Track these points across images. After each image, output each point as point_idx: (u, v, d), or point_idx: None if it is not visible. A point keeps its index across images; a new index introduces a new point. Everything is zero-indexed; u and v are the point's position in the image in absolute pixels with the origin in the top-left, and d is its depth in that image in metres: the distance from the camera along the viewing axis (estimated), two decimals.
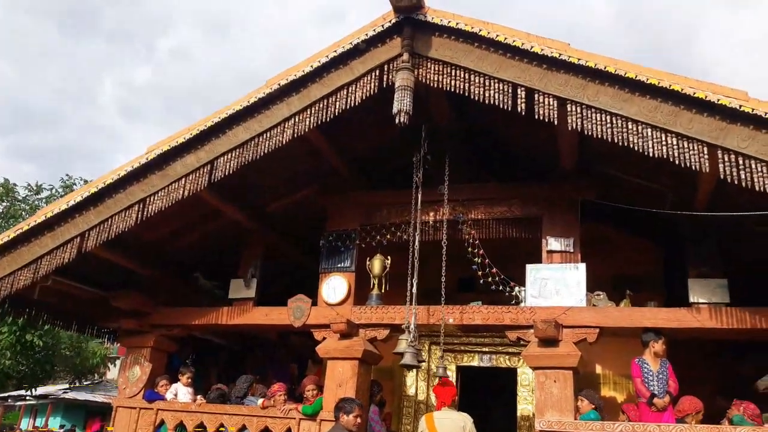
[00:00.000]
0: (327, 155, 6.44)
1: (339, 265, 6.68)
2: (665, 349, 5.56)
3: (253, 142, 5.64)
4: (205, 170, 5.83)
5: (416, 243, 6.01)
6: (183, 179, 5.89)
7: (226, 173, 5.74)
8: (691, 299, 5.53)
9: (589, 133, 4.63)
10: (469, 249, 6.20)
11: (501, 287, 6.09)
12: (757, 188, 4.10)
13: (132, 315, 7.15)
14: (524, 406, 7.43)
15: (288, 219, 7.45)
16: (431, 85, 5.25)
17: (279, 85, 5.57)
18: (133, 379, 7.12)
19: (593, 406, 5.66)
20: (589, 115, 4.62)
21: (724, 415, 5.55)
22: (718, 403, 5.96)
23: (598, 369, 7.20)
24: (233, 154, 5.71)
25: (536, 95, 4.77)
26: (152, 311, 7.20)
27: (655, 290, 6.68)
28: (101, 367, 24.25)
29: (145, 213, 5.96)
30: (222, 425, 6.44)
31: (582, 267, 5.84)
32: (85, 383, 24.60)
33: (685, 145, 4.31)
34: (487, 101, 4.91)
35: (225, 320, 6.93)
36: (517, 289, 6.09)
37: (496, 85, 4.93)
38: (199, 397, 6.88)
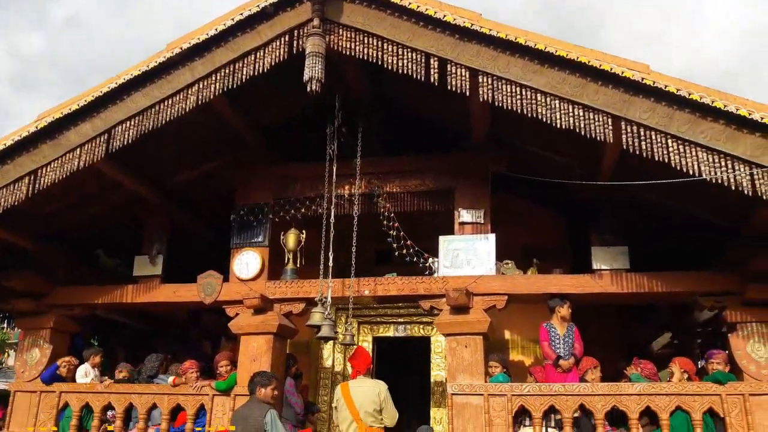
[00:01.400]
0: (236, 125, 6.18)
1: (252, 240, 6.49)
2: (571, 313, 5.82)
3: (153, 110, 5.32)
4: (102, 139, 5.47)
5: (332, 217, 5.92)
6: (78, 149, 5.51)
7: (125, 143, 5.40)
8: (594, 266, 5.81)
9: (500, 105, 4.69)
10: (385, 222, 6.20)
11: (416, 259, 6.15)
12: (656, 158, 4.32)
13: (27, 295, 6.66)
14: (437, 372, 7.61)
15: (195, 193, 7.13)
16: (344, 52, 5.13)
17: (181, 49, 5.26)
18: (32, 362, 6.67)
19: (502, 369, 5.86)
20: (500, 87, 4.67)
21: (623, 374, 5.91)
22: (618, 364, 6.36)
23: (507, 334, 7.47)
24: (132, 123, 5.37)
25: (449, 66, 4.75)
26: (50, 291, 6.73)
27: (561, 258, 6.97)
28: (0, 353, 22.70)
29: (36, 186, 5.54)
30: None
31: (492, 237, 5.98)
32: None
33: (591, 117, 4.46)
34: (401, 71, 4.85)
35: (130, 298, 6.60)
36: (430, 260, 6.17)
37: (410, 54, 4.88)
38: (106, 378, 6.55)
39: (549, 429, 5.51)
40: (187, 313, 8.13)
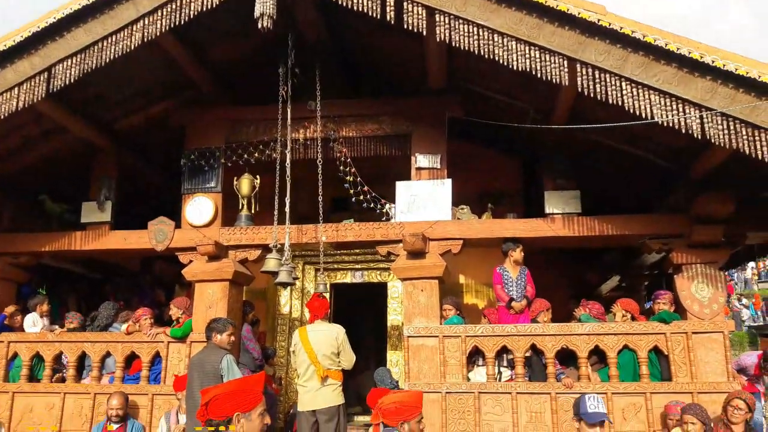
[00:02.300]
0: (185, 65, 5.91)
1: (204, 186, 6.33)
2: (523, 256, 5.93)
3: (96, 47, 5.03)
4: (42, 78, 5.17)
5: (287, 161, 5.79)
6: (16, 89, 5.21)
7: (67, 82, 5.12)
8: (547, 210, 5.90)
9: (457, 45, 4.60)
10: (342, 168, 6.11)
11: (373, 205, 6.12)
12: (610, 101, 4.34)
13: None
14: (394, 316, 7.71)
15: (145, 136, 6.87)
16: None
17: None
18: None
19: (457, 312, 5.98)
20: (457, 26, 4.57)
21: (573, 316, 6.10)
22: (569, 306, 6.55)
23: (462, 279, 7.59)
24: (74, 61, 5.08)
25: (405, 3, 4.61)
26: None
27: (516, 203, 7.07)
28: None
29: None
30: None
31: (448, 183, 5.99)
32: None
33: (547, 59, 4.42)
34: (355, 8, 4.68)
35: (78, 246, 6.40)
36: (387, 206, 6.16)
37: None
38: (56, 327, 6.41)
39: (501, 368, 5.69)
40: (139, 261, 7.96)
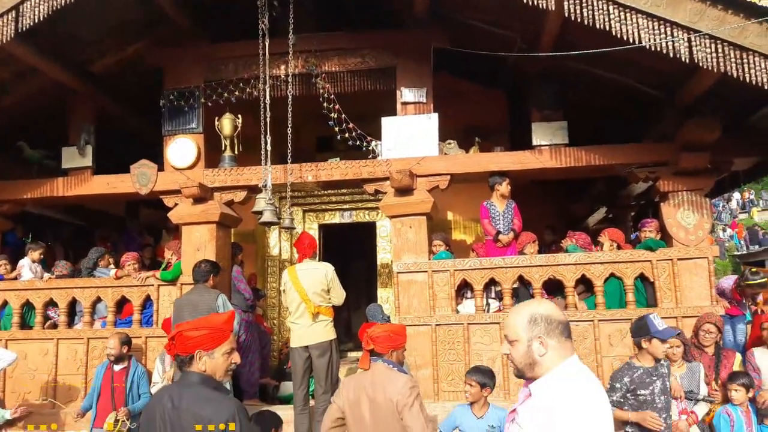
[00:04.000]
0: (159, 1, 5.66)
1: (185, 127, 6.20)
2: (510, 190, 5.92)
3: None
4: (10, 17, 4.95)
5: (267, 98, 5.64)
6: None
7: (36, 21, 4.90)
8: (534, 142, 5.85)
9: None
10: (325, 105, 5.98)
11: (358, 143, 6.03)
12: (597, 26, 4.22)
13: None
14: (383, 255, 7.77)
15: (122, 77, 6.65)
16: None
17: None
18: None
19: (446, 248, 6.01)
20: None
21: (560, 247, 6.16)
22: (544, 236, 6.60)
23: (450, 215, 7.61)
24: None
25: None
26: None
27: (503, 137, 7.03)
28: None
29: None
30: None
31: (434, 117, 5.90)
32: None
33: None
34: None
35: (61, 192, 6.30)
36: (373, 143, 6.07)
37: None
38: (46, 274, 6.38)
39: (490, 300, 5.78)
40: (124, 207, 7.89)
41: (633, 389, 3.75)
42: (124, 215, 8.08)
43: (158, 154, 6.28)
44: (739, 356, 4.73)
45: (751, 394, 4.34)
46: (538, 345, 1.91)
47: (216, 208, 5.98)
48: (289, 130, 5.61)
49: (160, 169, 6.16)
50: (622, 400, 3.77)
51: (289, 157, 5.75)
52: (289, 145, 5.66)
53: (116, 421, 4.82)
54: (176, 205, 6.10)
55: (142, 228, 8.06)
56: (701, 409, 4.39)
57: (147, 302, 6.08)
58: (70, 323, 6.21)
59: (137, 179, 6.09)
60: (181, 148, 6.10)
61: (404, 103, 5.99)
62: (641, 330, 3.80)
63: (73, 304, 6.23)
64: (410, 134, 5.92)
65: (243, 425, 2.19)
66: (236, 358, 2.41)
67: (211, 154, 6.26)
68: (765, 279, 5.36)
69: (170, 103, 6.15)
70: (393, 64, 6.01)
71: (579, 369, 1.92)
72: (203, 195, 5.95)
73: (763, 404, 4.39)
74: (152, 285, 6.00)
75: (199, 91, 6.16)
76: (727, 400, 4.41)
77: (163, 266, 6.22)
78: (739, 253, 19.42)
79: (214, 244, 5.94)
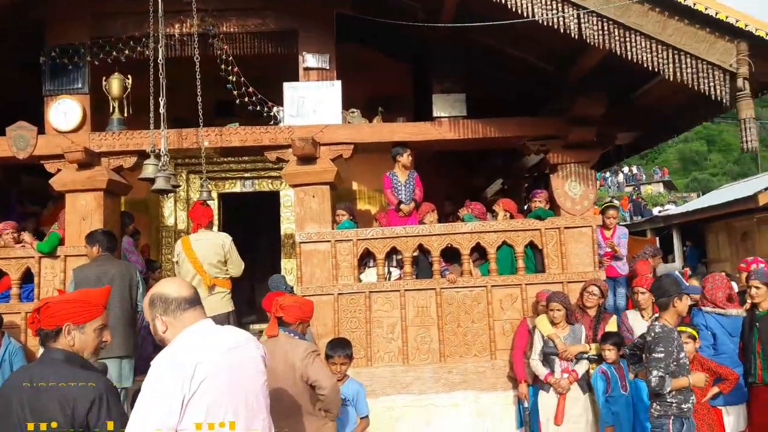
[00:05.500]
0: None
1: (69, 87, 5.76)
2: (412, 161, 5.99)
3: None
4: None
5: (160, 57, 5.32)
6: None
7: None
8: (435, 114, 5.93)
9: None
10: (224, 67, 5.73)
11: (259, 108, 5.85)
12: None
13: None
14: (287, 225, 7.66)
15: None
16: None
17: None
18: None
19: (350, 217, 6.02)
20: None
21: (457, 217, 6.33)
22: (443, 207, 6.77)
23: (355, 186, 7.63)
24: None
25: None
26: None
27: (406, 108, 7.08)
28: None
29: None
30: None
31: (338, 84, 5.83)
32: None
33: None
34: None
35: None
36: (275, 109, 5.92)
37: None
38: None
39: (391, 268, 5.87)
40: (2, 173, 7.25)
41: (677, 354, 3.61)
42: (1, 181, 7.42)
43: (39, 114, 5.79)
44: (614, 318, 5.11)
45: (623, 352, 4.70)
46: (159, 323, 2.11)
47: (103, 175, 5.63)
48: (200, 97, 5.33)
49: (41, 131, 5.69)
50: (675, 368, 3.57)
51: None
52: (201, 109, 5.39)
53: None
54: (59, 171, 5.67)
55: (23, 196, 7.46)
56: (581, 368, 4.72)
57: (29, 275, 5.65)
58: None
59: (14, 142, 5.60)
60: (65, 110, 5.67)
61: (307, 69, 5.86)
62: (674, 286, 3.65)
63: None
64: (313, 101, 5.81)
65: (112, 405, 2.08)
66: (107, 336, 2.30)
67: (99, 117, 5.86)
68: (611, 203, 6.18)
69: (52, 61, 5.67)
70: (295, 28, 5.85)
71: (192, 332, 2.09)
72: (89, 160, 5.57)
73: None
74: (33, 257, 5.58)
75: (85, 49, 5.72)
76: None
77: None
78: (625, 223, 20.90)
79: (102, 213, 5.59)
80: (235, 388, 2.03)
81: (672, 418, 3.55)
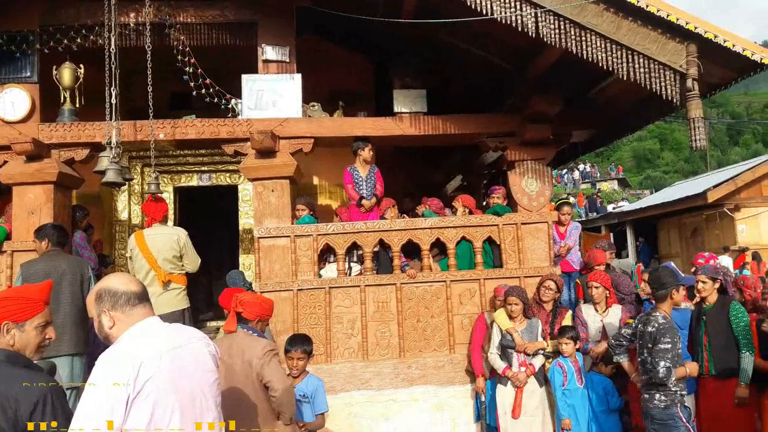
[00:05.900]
0: None
1: (17, 75, 5.55)
2: (373, 156, 5.98)
3: None
4: None
5: (113, 46, 5.16)
6: None
7: None
8: (396, 109, 5.94)
9: None
10: (180, 58, 5.60)
11: (217, 100, 5.74)
12: None
13: None
14: (246, 220, 7.56)
15: None
16: None
17: None
18: None
19: (310, 212, 5.97)
20: None
21: (416, 213, 6.36)
22: (404, 203, 6.80)
23: (316, 180, 7.57)
24: None
25: None
26: None
27: (367, 103, 7.08)
28: None
29: None
30: None
31: (298, 78, 5.77)
32: None
33: None
34: None
35: None
36: (233, 101, 5.82)
37: None
38: None
39: (352, 264, 5.85)
40: None
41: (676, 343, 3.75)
42: None
43: None
44: (570, 312, 5.22)
45: (578, 346, 4.81)
46: (106, 319, 2.04)
47: (53, 167, 5.44)
48: (150, 87, 5.19)
49: None
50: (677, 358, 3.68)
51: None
52: (151, 101, 5.25)
53: None
54: (5, 162, 5.46)
55: None
56: (538, 361, 4.81)
57: None
58: None
59: None
60: (12, 99, 5.45)
61: (266, 61, 5.78)
62: (672, 278, 3.77)
63: None
64: (272, 94, 5.74)
65: (56, 407, 1.99)
66: (51, 333, 2.20)
67: (49, 108, 5.66)
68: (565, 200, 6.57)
69: None
70: (254, 19, 5.76)
71: (138, 329, 2.04)
72: (38, 152, 5.37)
73: (595, 357, 4.89)
74: None
75: (34, 36, 5.52)
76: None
77: None
78: (580, 219, 21.38)
79: (51, 207, 5.41)
80: (181, 387, 1.99)
81: (679, 406, 3.70)
